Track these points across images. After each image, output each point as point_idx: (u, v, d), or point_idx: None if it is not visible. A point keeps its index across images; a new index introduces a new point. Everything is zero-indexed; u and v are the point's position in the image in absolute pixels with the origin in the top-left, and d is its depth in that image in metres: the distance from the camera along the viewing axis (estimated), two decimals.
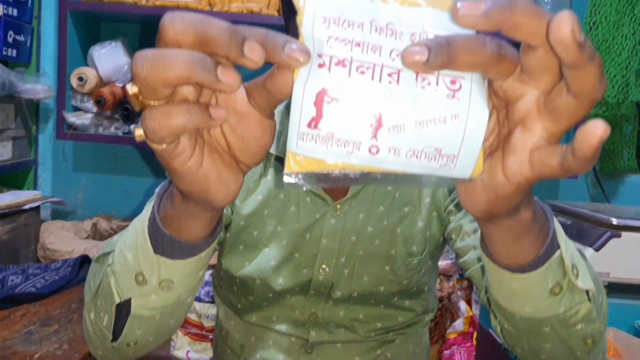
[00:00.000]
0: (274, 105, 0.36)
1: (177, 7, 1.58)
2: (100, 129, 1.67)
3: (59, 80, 1.64)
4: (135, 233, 0.50)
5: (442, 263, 1.63)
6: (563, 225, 1.36)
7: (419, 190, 0.80)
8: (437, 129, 0.31)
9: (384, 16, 0.32)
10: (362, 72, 0.31)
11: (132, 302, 0.52)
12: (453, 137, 0.32)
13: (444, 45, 0.30)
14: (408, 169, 0.33)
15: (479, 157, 0.33)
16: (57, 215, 1.84)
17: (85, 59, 1.70)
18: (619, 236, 1.21)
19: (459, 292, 1.62)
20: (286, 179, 0.35)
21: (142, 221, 0.49)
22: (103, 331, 0.57)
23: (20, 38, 1.63)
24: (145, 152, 1.84)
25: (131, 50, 1.71)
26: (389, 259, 0.80)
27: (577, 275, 0.48)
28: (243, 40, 0.31)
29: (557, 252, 0.46)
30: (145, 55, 0.32)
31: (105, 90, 1.62)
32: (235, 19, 1.58)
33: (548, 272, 0.46)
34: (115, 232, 1.75)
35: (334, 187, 0.76)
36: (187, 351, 1.58)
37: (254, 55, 0.31)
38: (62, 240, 1.61)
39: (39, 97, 1.65)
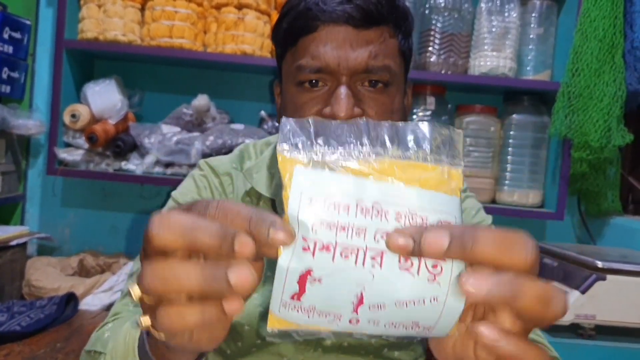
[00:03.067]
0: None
1: (172, 48, 1.61)
2: (91, 165, 1.67)
3: (51, 117, 1.65)
4: (126, 347, 0.52)
5: None
6: (549, 267, 1.38)
7: None
8: (416, 309, 0.33)
9: (370, 195, 0.33)
10: (346, 257, 0.32)
11: None
12: (431, 315, 0.33)
13: (428, 236, 0.32)
14: (385, 335, 0.34)
15: (455, 324, 0.35)
16: (43, 250, 1.82)
17: (78, 96, 1.71)
18: (604, 279, 1.23)
19: None
20: (268, 330, 0.35)
21: (133, 339, 0.50)
22: None
23: (15, 74, 1.64)
24: (134, 188, 1.84)
25: (124, 88, 1.73)
26: None
27: None
28: (233, 240, 0.32)
29: None
30: (154, 272, 0.33)
31: (98, 127, 1.63)
32: (229, 60, 1.62)
33: None
34: (102, 269, 1.73)
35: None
36: None
37: (245, 251, 0.33)
38: (47, 277, 1.59)
39: (31, 133, 1.66)
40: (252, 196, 0.79)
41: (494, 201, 1.74)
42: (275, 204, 0.77)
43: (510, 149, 1.72)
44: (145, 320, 0.36)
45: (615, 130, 1.60)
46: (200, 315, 0.34)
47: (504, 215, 1.68)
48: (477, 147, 1.71)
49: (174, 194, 0.81)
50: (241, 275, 0.33)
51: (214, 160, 0.82)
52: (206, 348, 0.39)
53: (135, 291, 0.34)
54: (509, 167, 1.72)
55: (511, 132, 1.72)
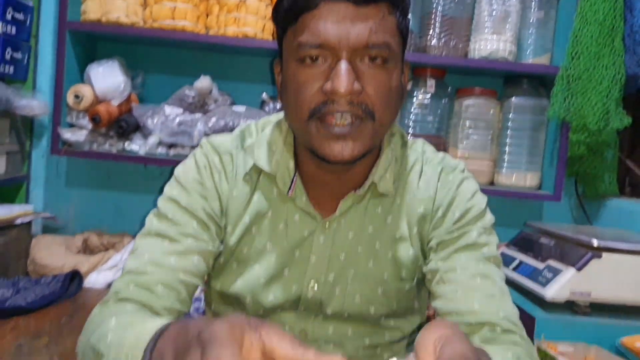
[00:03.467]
0: None
1: (174, 30, 1.62)
2: (95, 146, 1.69)
3: (55, 97, 1.67)
4: None
5: None
6: (546, 246, 1.40)
7: (409, 218, 0.82)
8: None
9: None
10: None
11: None
12: None
13: None
14: None
15: None
16: (48, 230, 1.84)
17: (81, 77, 1.73)
18: (600, 257, 1.25)
19: None
20: None
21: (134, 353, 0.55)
22: None
23: (18, 55, 1.66)
24: (138, 168, 1.86)
25: (127, 69, 1.74)
26: (382, 282, 0.82)
27: None
28: None
29: None
30: None
31: (101, 108, 1.64)
32: (231, 42, 1.63)
33: None
34: (106, 248, 1.75)
35: (323, 205, 0.79)
36: None
37: None
38: (52, 255, 1.62)
39: (34, 114, 1.68)
40: (253, 174, 0.81)
41: (492, 183, 1.76)
42: (276, 180, 0.79)
43: (509, 131, 1.74)
44: None
45: (614, 113, 1.62)
46: None
47: (502, 197, 1.70)
48: (476, 129, 1.73)
49: (176, 172, 0.83)
50: None
51: (216, 139, 0.84)
52: None
53: None
54: (507, 149, 1.74)
55: (510, 115, 1.74)
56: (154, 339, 0.53)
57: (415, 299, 0.88)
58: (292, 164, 0.79)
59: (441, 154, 0.86)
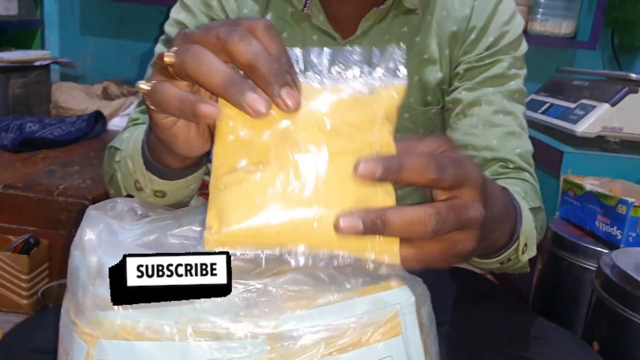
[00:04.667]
0: None
1: None
2: None
3: None
4: (135, 145, 0.56)
5: None
6: (579, 87, 1.36)
7: (440, 38, 0.76)
8: None
9: None
10: None
11: (136, 197, 0.61)
12: None
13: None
14: None
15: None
16: (66, 79, 1.82)
17: None
18: (637, 92, 1.21)
19: None
20: None
21: (140, 141, 0.54)
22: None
23: None
24: (153, 15, 1.79)
25: None
26: (408, 107, 0.78)
27: (524, 251, 0.57)
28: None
29: (515, 245, 0.53)
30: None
31: None
32: None
33: (503, 255, 0.54)
34: (126, 97, 1.74)
35: (343, 24, 0.75)
36: None
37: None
38: (74, 98, 1.61)
39: None
40: None
41: (525, 31, 1.68)
42: None
43: None
44: (144, 86, 0.39)
45: None
46: (179, 111, 0.36)
47: (534, 45, 1.63)
48: None
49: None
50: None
51: None
52: (179, 151, 0.43)
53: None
54: None
55: None
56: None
57: (439, 128, 0.85)
58: None
59: None
